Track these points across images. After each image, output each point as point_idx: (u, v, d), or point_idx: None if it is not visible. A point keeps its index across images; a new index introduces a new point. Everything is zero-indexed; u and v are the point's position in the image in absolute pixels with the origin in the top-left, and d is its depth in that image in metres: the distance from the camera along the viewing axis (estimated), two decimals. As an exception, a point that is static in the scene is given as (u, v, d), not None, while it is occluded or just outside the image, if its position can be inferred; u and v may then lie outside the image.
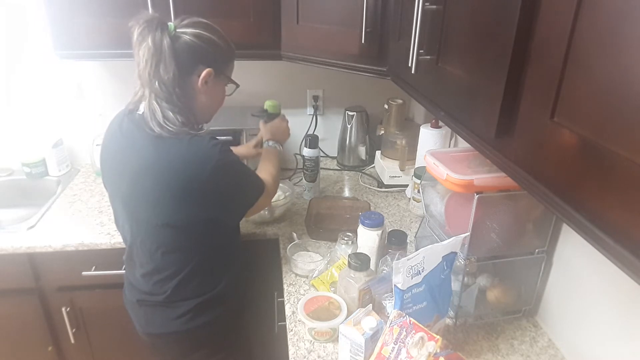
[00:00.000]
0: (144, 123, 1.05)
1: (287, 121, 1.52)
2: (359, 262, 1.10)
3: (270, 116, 1.50)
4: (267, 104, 1.50)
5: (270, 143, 1.42)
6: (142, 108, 1.08)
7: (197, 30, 1.07)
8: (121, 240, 1.25)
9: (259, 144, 1.52)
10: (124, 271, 1.30)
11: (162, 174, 1.04)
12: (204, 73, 1.08)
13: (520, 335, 1.14)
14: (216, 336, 1.26)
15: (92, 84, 1.92)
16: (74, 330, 1.61)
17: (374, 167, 2.04)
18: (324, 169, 1.99)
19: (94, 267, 1.52)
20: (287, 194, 1.66)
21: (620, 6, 0.45)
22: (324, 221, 1.61)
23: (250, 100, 1.96)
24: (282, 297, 1.27)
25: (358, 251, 1.21)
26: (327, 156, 2.15)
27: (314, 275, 1.28)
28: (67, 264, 1.52)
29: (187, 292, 1.17)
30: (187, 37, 1.05)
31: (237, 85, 1.20)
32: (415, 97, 1.07)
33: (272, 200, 1.59)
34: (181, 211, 1.08)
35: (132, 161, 1.08)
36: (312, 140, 1.72)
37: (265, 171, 1.29)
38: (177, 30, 1.05)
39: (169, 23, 1.05)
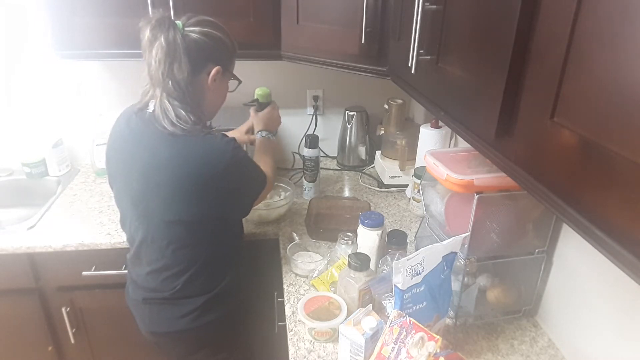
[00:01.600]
0: (155, 121, 1.06)
1: (278, 108, 1.51)
2: (359, 262, 1.10)
3: (261, 105, 1.48)
4: (258, 93, 1.48)
5: (264, 133, 1.42)
6: (152, 106, 1.08)
7: (205, 29, 1.08)
8: (121, 240, 1.25)
9: (250, 131, 1.51)
10: (127, 271, 1.30)
11: (177, 170, 1.05)
12: (213, 71, 1.10)
13: (520, 335, 1.14)
14: (219, 335, 1.26)
15: (92, 84, 1.92)
16: (74, 330, 1.60)
17: (374, 167, 2.04)
18: (324, 169, 1.99)
19: (94, 267, 1.52)
20: (287, 194, 1.66)
21: (620, 6, 0.45)
22: (324, 221, 1.61)
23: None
24: (282, 297, 1.27)
25: (358, 251, 1.21)
26: (327, 156, 2.15)
27: (314, 275, 1.28)
28: (67, 264, 1.52)
29: (194, 289, 1.17)
30: (196, 35, 1.06)
31: (240, 82, 1.22)
32: (415, 97, 1.07)
33: (272, 201, 1.60)
34: (194, 207, 1.09)
35: (144, 158, 1.09)
36: (312, 140, 1.72)
37: (264, 163, 1.29)
38: (185, 28, 1.06)
39: (177, 22, 1.05)
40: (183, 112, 1.06)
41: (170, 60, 1.03)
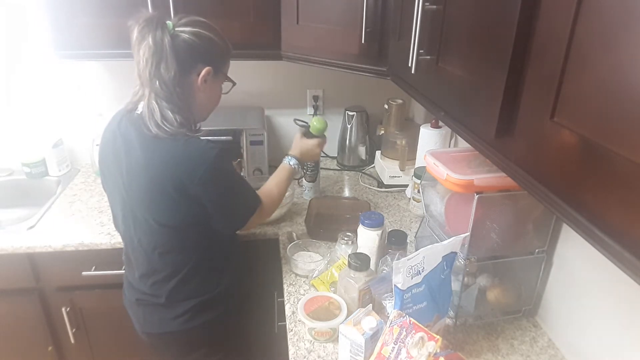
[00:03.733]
0: (142, 123, 1.05)
1: (323, 146, 1.46)
2: (359, 262, 1.10)
3: (309, 134, 1.44)
4: (312, 123, 1.43)
5: (293, 162, 1.35)
6: (141, 108, 1.08)
7: (196, 29, 1.07)
8: (121, 240, 1.26)
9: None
10: (124, 271, 1.30)
11: (157, 173, 1.04)
12: (203, 71, 1.09)
13: (520, 335, 1.14)
14: (215, 336, 1.26)
15: (92, 84, 1.92)
16: (74, 330, 1.61)
17: (374, 167, 2.04)
18: (324, 169, 1.99)
19: (94, 267, 1.52)
20: (287, 194, 1.66)
21: (620, 6, 0.45)
22: (324, 221, 1.61)
23: (250, 100, 1.97)
24: (282, 297, 1.27)
25: (358, 251, 1.21)
26: (327, 156, 2.15)
27: (314, 275, 1.28)
28: (67, 264, 1.52)
29: (186, 293, 1.17)
30: (186, 35, 1.05)
31: (234, 83, 1.20)
32: (415, 97, 1.07)
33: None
34: (175, 211, 1.08)
35: (129, 161, 1.08)
36: (312, 140, 1.71)
37: (267, 190, 1.26)
38: (176, 28, 1.05)
39: (168, 22, 1.04)
40: (170, 113, 1.04)
41: (157, 60, 1.01)
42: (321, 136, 1.45)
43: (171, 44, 1.02)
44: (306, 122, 1.47)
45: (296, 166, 1.36)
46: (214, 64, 1.11)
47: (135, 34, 1.02)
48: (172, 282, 1.15)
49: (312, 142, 1.42)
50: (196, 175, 1.03)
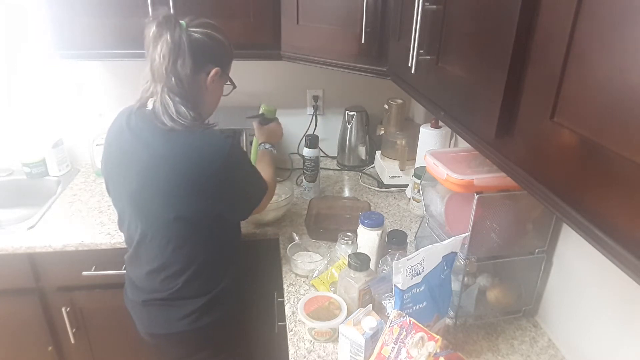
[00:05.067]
0: (155, 117, 1.07)
1: (281, 125, 1.55)
2: (359, 262, 1.10)
3: (266, 120, 1.51)
4: (264, 108, 1.51)
5: (267, 146, 1.45)
6: (151, 104, 1.09)
7: (208, 30, 1.10)
8: (121, 240, 1.25)
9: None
10: (125, 271, 1.30)
11: (175, 165, 1.06)
12: (213, 72, 1.11)
13: (520, 335, 1.14)
14: (218, 336, 1.26)
15: (92, 84, 1.92)
16: (74, 330, 1.61)
17: (374, 167, 2.04)
18: (324, 169, 1.99)
19: (94, 267, 1.52)
20: (287, 194, 1.66)
21: (620, 6, 0.45)
22: (324, 221, 1.61)
23: (250, 100, 1.96)
24: (282, 297, 1.27)
25: (358, 251, 1.21)
26: (327, 156, 2.15)
27: (314, 275, 1.28)
28: (67, 264, 1.52)
29: (193, 290, 1.17)
30: (198, 35, 1.08)
31: (235, 87, 1.23)
32: (415, 97, 1.07)
33: (272, 201, 1.59)
34: (192, 203, 1.09)
35: (143, 155, 1.09)
36: (312, 140, 1.72)
37: (264, 173, 1.29)
38: (189, 29, 1.07)
39: (181, 21, 1.07)
40: (183, 108, 1.06)
41: (174, 56, 1.04)
42: (274, 118, 1.53)
43: (188, 42, 1.05)
44: (257, 114, 1.52)
45: (271, 149, 1.46)
46: (221, 65, 1.14)
47: (153, 29, 1.04)
48: (182, 277, 1.15)
49: (272, 125, 1.50)
50: (215, 166, 1.06)
